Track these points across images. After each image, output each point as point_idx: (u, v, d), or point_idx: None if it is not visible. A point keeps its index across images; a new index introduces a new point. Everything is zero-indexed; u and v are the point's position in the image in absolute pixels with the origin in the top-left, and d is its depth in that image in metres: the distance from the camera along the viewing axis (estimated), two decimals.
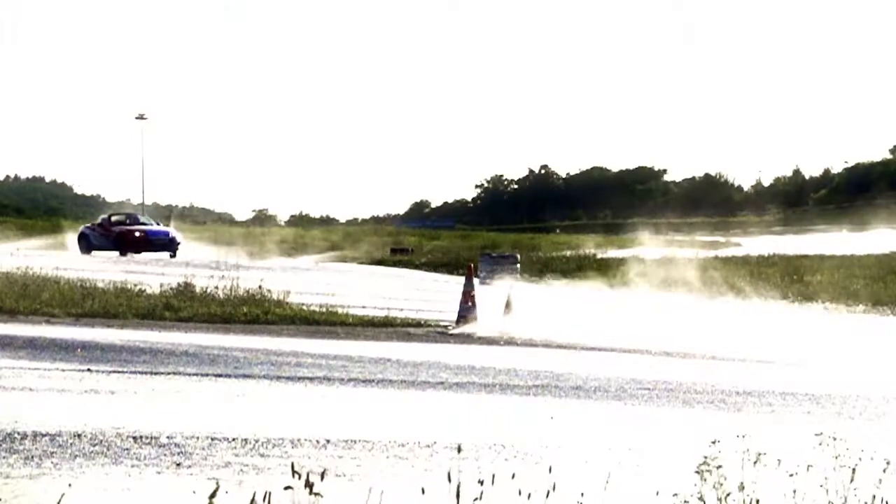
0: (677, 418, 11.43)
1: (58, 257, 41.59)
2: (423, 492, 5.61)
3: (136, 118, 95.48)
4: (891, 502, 6.15)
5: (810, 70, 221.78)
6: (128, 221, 52.80)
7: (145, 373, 12.95)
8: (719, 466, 5.82)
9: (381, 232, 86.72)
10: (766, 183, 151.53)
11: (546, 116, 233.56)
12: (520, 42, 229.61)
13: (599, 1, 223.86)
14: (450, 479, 5.35)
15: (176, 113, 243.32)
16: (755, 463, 6.07)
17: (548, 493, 5.58)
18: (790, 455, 6.36)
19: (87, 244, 51.31)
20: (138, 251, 49.33)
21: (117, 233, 50.79)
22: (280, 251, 63.10)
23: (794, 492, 6.18)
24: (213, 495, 4.99)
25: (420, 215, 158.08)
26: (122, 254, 48.86)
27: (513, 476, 5.74)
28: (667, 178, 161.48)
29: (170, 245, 50.15)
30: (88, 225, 54.02)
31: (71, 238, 55.55)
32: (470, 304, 22.22)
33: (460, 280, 25.28)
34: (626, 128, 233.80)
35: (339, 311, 23.13)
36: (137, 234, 50.74)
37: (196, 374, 13.02)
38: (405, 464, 8.25)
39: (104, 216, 54.05)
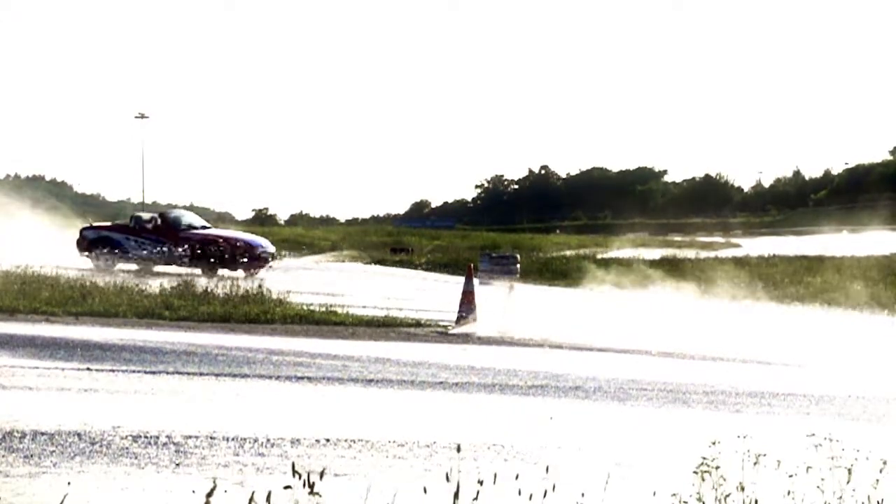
0: (677, 419, 11.43)
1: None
2: (422, 492, 5.61)
3: (137, 117, 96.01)
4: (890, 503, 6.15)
5: (811, 70, 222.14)
6: (176, 223, 36.77)
7: (145, 372, 12.94)
8: (718, 467, 5.82)
9: (381, 232, 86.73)
10: (766, 183, 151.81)
11: (546, 116, 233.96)
12: (520, 42, 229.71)
13: (599, 1, 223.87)
14: (449, 479, 5.35)
15: (176, 112, 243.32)
16: (755, 464, 6.07)
17: (546, 493, 5.58)
18: (790, 456, 6.37)
19: (112, 253, 35.89)
20: (234, 268, 35.55)
21: (199, 240, 35.84)
22: (280, 251, 63.11)
23: (792, 493, 6.18)
24: (210, 494, 5.00)
25: (420, 215, 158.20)
26: (212, 270, 34.87)
27: (513, 476, 5.74)
28: (667, 178, 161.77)
29: (270, 260, 37.08)
30: (104, 224, 38.12)
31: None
32: (470, 304, 22.21)
33: (460, 280, 25.28)
34: (626, 128, 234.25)
35: (339, 310, 23.12)
36: (239, 244, 36.15)
37: (196, 374, 13.02)
38: (404, 463, 8.26)
39: (140, 214, 37.64)
